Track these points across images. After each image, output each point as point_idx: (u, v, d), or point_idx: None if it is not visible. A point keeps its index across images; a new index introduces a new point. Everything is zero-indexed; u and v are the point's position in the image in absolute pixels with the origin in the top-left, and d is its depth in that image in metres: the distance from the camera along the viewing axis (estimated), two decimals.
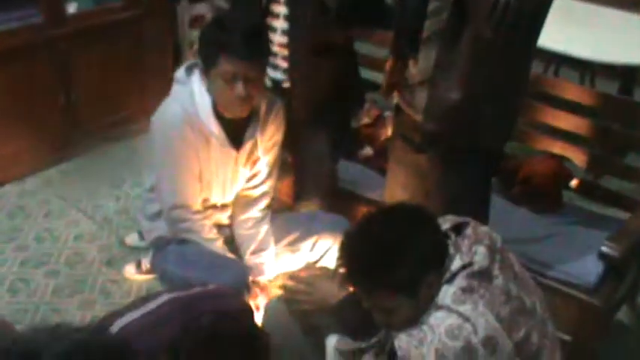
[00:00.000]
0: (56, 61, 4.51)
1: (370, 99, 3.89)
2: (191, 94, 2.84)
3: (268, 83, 3.20)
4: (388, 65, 2.84)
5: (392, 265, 1.97)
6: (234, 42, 2.67)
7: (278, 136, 3.07)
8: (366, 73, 3.79)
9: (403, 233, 2.01)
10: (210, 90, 2.80)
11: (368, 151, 3.85)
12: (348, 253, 2.08)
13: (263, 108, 2.95)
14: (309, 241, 3.15)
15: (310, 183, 3.50)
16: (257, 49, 2.76)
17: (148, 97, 2.86)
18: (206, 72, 2.78)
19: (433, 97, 2.61)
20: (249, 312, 2.24)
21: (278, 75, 3.23)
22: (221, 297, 2.18)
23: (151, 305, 2.14)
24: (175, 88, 2.92)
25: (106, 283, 3.72)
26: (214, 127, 2.83)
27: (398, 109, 2.95)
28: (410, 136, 2.88)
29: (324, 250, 3.13)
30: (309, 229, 3.16)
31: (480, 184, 2.91)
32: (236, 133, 2.92)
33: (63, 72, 4.56)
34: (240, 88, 2.71)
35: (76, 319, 3.48)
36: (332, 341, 2.24)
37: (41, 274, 3.82)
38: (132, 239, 3.96)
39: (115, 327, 2.05)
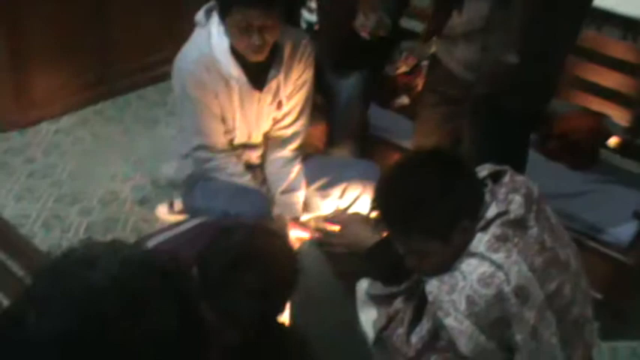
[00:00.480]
0: (94, 0, 4.50)
1: (408, 47, 3.85)
2: (209, 37, 2.82)
3: (303, 25, 3.17)
4: (430, 12, 2.80)
5: (426, 209, 1.96)
6: None
7: (306, 76, 3.03)
8: (406, 22, 3.74)
9: (439, 178, 1.99)
10: (227, 34, 2.78)
11: (404, 99, 3.82)
12: (383, 196, 2.07)
13: (288, 48, 2.91)
14: (339, 188, 3.13)
15: (341, 127, 3.47)
16: None
17: (183, 39, 2.86)
18: (222, 19, 2.76)
19: (486, 59, 2.56)
20: (282, 237, 2.24)
21: (313, 18, 3.20)
22: (249, 224, 2.18)
23: (184, 227, 2.16)
24: (195, 31, 2.91)
25: (139, 222, 3.75)
26: (233, 70, 2.82)
27: (434, 60, 2.92)
28: (443, 89, 2.85)
29: (353, 198, 3.12)
30: (339, 176, 3.15)
31: (520, 144, 2.88)
32: (258, 73, 2.89)
33: (100, 11, 4.54)
34: (254, 36, 2.68)
35: None
36: (363, 285, 2.25)
37: (75, 211, 3.85)
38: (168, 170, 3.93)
39: (150, 244, 2.07)
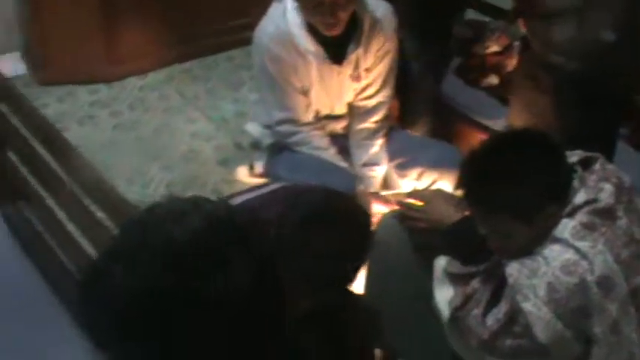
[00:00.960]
0: None
1: (500, 26, 3.79)
2: (284, 12, 2.80)
3: None
4: None
5: (514, 189, 1.94)
6: None
7: (389, 46, 2.97)
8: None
9: (529, 159, 1.96)
10: (300, 10, 2.76)
11: (493, 79, 3.77)
12: (470, 173, 2.05)
13: (368, 19, 2.86)
14: (416, 170, 3.10)
15: (416, 95, 3.42)
16: None
17: (269, 6, 2.86)
18: None
19: (581, 32, 2.48)
20: (358, 203, 2.24)
21: None
22: (333, 192, 2.17)
23: (264, 190, 2.17)
24: (272, 5, 2.89)
25: (219, 182, 3.77)
26: (310, 45, 2.80)
27: (526, 43, 2.85)
28: (535, 74, 2.78)
29: (429, 182, 3.08)
30: (417, 157, 3.11)
31: (610, 132, 2.81)
32: (336, 48, 2.86)
33: None
34: (327, 14, 2.66)
35: None
36: (441, 262, 2.23)
37: (156, 167, 3.90)
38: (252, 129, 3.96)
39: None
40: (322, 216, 1.93)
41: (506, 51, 3.79)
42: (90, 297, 1.09)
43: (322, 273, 1.88)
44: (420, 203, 2.41)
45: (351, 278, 1.98)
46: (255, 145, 3.35)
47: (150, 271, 1.03)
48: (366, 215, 2.07)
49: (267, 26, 2.85)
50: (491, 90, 3.73)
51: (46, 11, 4.39)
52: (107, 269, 1.06)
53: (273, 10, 2.86)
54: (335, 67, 2.88)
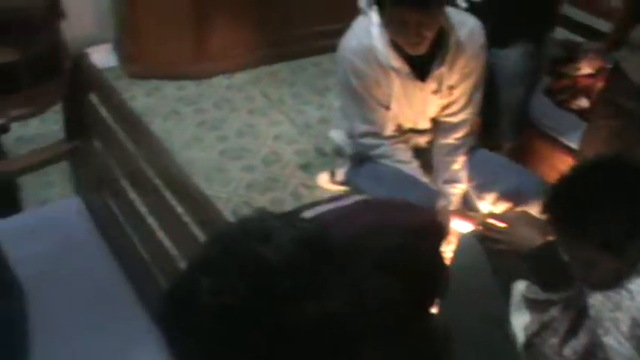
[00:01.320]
0: None
1: (595, 48, 3.70)
2: (369, 27, 2.76)
3: (463, 5, 3.06)
4: (618, 16, 2.66)
5: (603, 218, 1.88)
6: None
7: (475, 64, 2.90)
8: (594, 21, 3.61)
9: (621, 187, 1.90)
10: (385, 27, 2.72)
11: (583, 102, 3.68)
12: (559, 197, 2.00)
13: (454, 36, 2.79)
14: (493, 194, 3.04)
15: (498, 116, 3.34)
16: None
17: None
18: (379, 12, 2.69)
19: None
20: (441, 230, 2.20)
21: None
22: (415, 208, 2.14)
23: (346, 202, 2.14)
24: (358, 19, 2.87)
25: (299, 186, 3.79)
26: (394, 61, 2.75)
27: (616, 69, 2.78)
28: (620, 101, 2.71)
29: (505, 208, 3.01)
30: (495, 181, 3.01)
31: None
32: (420, 65, 2.80)
33: None
34: (411, 33, 2.61)
35: None
36: (520, 287, 2.19)
37: (237, 167, 3.93)
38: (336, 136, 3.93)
39: (310, 213, 2.06)
40: (398, 265, 1.90)
41: (598, 74, 3.70)
42: (176, 313, 1.08)
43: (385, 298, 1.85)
44: (502, 225, 2.37)
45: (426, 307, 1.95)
46: (338, 152, 3.34)
47: (239, 293, 1.02)
48: (443, 261, 2.03)
49: (351, 40, 2.83)
50: (580, 113, 3.64)
51: (140, 6, 4.47)
52: (194, 285, 1.05)
53: (358, 24, 2.84)
54: (418, 83, 2.84)
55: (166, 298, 1.10)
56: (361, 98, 2.88)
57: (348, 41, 2.85)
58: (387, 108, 2.89)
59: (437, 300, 1.99)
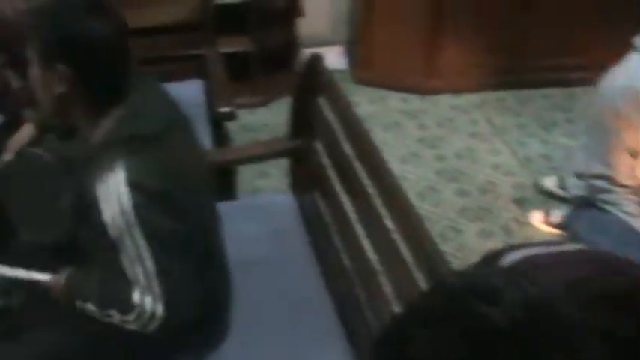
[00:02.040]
0: None
1: None
2: None
3: None
4: None
5: None
6: None
7: None
8: None
9: None
10: None
11: None
12: None
13: None
14: None
15: None
16: None
17: (603, 49, 2.68)
18: None
19: None
20: None
21: None
22: None
23: (562, 248, 2.01)
24: (630, 56, 2.70)
25: (510, 221, 3.66)
26: None
27: None
28: None
29: None
30: None
31: None
32: None
33: (528, 1, 4.47)
34: None
35: (472, 244, 3.49)
36: None
37: (451, 189, 3.86)
38: (550, 182, 3.82)
39: (517, 255, 1.96)
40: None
41: None
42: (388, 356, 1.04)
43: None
44: None
45: None
46: (553, 195, 3.20)
47: (457, 351, 0.95)
48: None
49: (617, 77, 2.69)
50: None
51: (378, 14, 4.50)
52: (406, 336, 1.00)
53: (628, 62, 2.69)
54: None
55: (377, 344, 1.06)
56: (609, 139, 2.73)
57: (614, 77, 2.72)
58: (633, 157, 2.73)
59: None
